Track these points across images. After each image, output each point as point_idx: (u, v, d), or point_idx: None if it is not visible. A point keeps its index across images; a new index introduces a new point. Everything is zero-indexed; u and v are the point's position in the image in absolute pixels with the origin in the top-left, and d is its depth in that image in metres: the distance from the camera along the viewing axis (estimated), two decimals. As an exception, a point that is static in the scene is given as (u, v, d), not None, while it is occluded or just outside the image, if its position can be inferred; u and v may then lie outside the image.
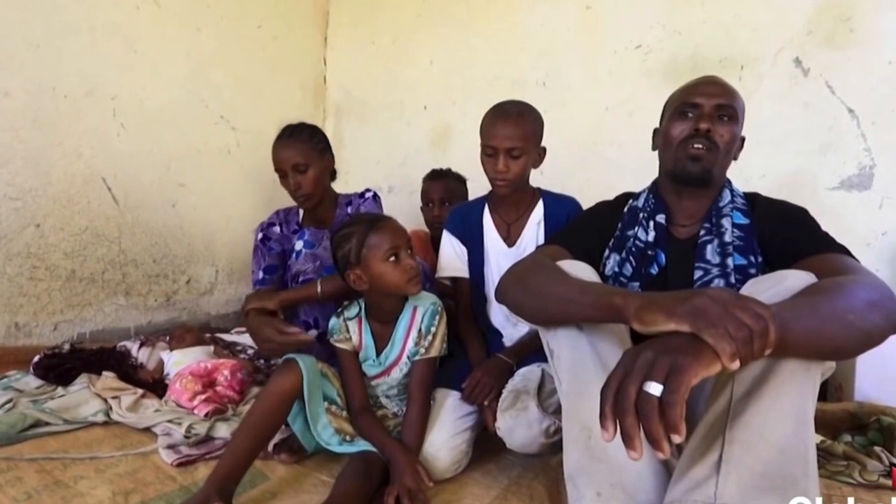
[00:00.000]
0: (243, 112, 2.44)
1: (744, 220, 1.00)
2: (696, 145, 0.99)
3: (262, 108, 2.51)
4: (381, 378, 1.24)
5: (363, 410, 1.17)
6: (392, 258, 1.13)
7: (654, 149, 1.14)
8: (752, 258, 0.97)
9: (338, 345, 1.22)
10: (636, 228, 1.07)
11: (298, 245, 1.51)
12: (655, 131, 1.13)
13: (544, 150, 1.34)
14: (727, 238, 0.98)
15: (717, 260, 0.98)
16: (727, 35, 1.90)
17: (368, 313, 1.24)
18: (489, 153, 1.28)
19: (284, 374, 1.07)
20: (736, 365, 0.57)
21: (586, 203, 1.31)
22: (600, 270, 1.06)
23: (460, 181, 2.01)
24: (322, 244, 1.50)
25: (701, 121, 0.99)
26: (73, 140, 1.85)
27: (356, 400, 1.19)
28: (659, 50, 2.02)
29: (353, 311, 1.24)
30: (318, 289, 1.36)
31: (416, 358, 1.19)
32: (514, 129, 1.26)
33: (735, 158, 1.06)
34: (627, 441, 0.57)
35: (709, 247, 0.99)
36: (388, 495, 0.97)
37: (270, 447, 1.18)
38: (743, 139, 1.07)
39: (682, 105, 1.03)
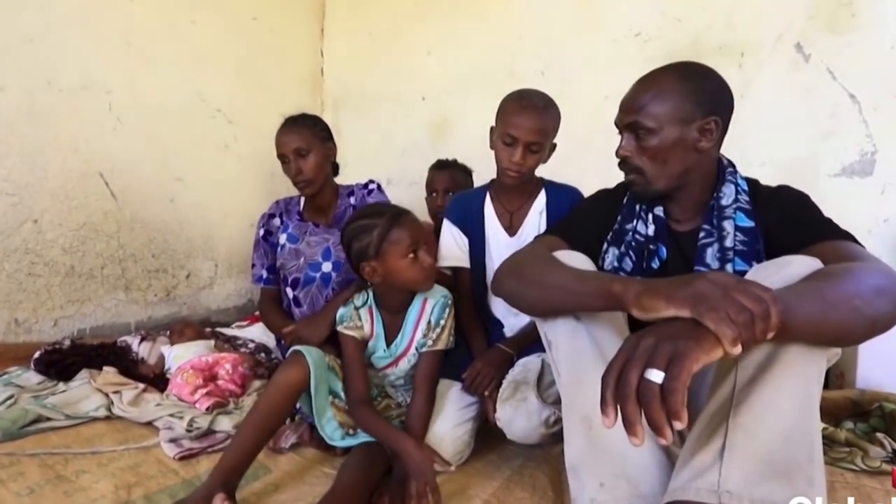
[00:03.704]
0: (240, 105, 2.42)
1: (748, 223, 0.95)
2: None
3: (259, 101, 2.49)
4: (390, 368, 1.24)
5: (363, 402, 1.14)
6: (411, 255, 1.12)
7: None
8: (756, 263, 0.91)
9: (346, 332, 1.20)
10: (635, 221, 1.04)
11: (282, 238, 1.51)
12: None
13: (555, 145, 1.32)
14: (728, 243, 0.94)
15: (716, 265, 0.94)
16: (727, 21, 1.87)
17: (378, 303, 1.23)
18: (508, 142, 1.24)
19: (291, 367, 1.05)
20: (738, 349, 0.57)
21: (586, 193, 1.29)
22: (599, 264, 1.04)
23: (466, 172, 1.99)
24: (305, 239, 1.49)
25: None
26: (70, 135, 1.84)
27: (356, 390, 1.16)
28: (658, 37, 2.00)
29: (362, 299, 1.23)
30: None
31: (424, 350, 1.19)
32: (539, 123, 1.22)
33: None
34: (629, 427, 0.56)
35: (709, 250, 0.96)
36: (411, 497, 0.95)
37: (289, 445, 1.19)
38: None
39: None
